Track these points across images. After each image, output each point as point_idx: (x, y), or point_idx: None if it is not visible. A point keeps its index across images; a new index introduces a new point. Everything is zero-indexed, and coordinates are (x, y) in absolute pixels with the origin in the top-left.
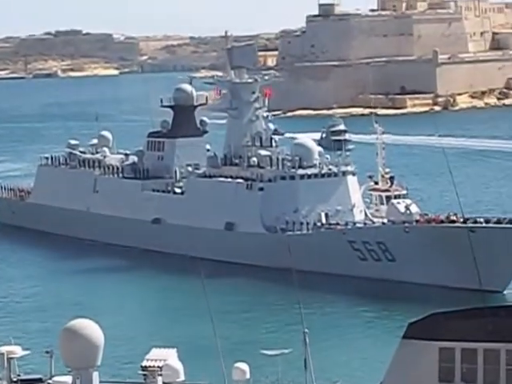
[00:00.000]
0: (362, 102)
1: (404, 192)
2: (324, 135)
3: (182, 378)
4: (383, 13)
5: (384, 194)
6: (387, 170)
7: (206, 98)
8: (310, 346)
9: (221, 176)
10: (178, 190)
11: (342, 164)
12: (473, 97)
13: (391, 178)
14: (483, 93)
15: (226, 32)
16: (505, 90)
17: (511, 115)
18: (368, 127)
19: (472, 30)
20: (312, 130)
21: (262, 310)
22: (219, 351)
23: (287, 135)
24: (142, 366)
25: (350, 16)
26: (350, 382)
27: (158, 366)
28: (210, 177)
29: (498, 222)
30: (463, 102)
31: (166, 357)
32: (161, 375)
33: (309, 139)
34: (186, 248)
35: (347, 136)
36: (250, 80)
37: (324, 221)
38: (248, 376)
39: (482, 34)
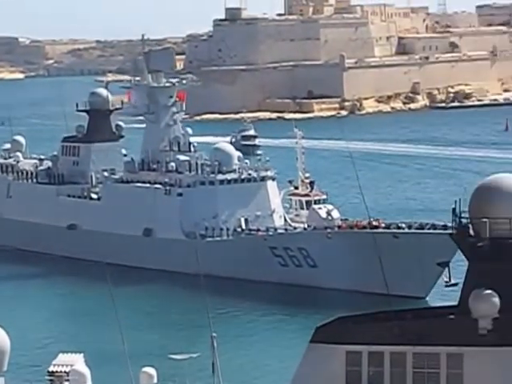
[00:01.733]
0: (270, 107)
1: (324, 197)
2: (234, 140)
3: (89, 383)
4: (290, 17)
5: (304, 199)
6: (307, 174)
7: (122, 102)
8: (217, 350)
9: (138, 181)
10: (94, 196)
11: (262, 169)
12: (379, 101)
13: (311, 183)
14: (389, 97)
15: (142, 36)
16: (410, 95)
17: (417, 119)
18: (276, 132)
19: (378, 35)
20: (220, 135)
21: (171, 315)
22: (126, 356)
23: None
24: (48, 371)
25: (257, 20)
26: None
27: (65, 371)
28: (127, 182)
29: (421, 227)
30: (369, 106)
31: (73, 362)
32: (68, 380)
33: (228, 144)
34: (103, 254)
35: (257, 141)
36: (167, 84)
37: (244, 226)
38: (155, 380)
39: (387, 38)
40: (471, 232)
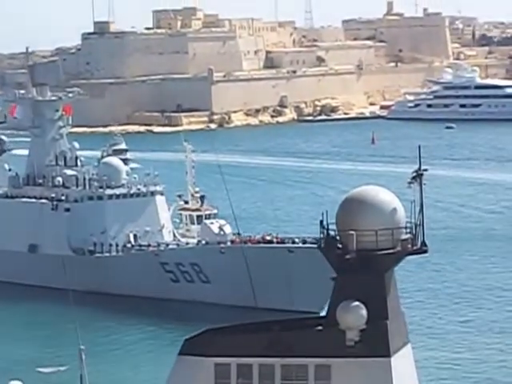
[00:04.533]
0: (138, 120)
1: (215, 211)
2: (105, 154)
3: None
4: (158, 31)
5: (195, 214)
6: (197, 189)
7: (5, 115)
8: (86, 363)
9: (23, 196)
10: None
11: (151, 184)
12: (247, 114)
13: (202, 198)
14: (257, 110)
15: (27, 48)
16: (278, 108)
17: (284, 132)
18: (145, 145)
19: (246, 49)
20: (89, 148)
21: (39, 329)
22: None
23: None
24: None
25: (126, 34)
26: None
27: None
28: (12, 197)
29: (315, 241)
30: (238, 119)
31: None
32: None
33: (116, 158)
34: None
35: (128, 155)
36: (53, 98)
37: (133, 242)
38: None
39: (255, 52)
40: (339, 244)
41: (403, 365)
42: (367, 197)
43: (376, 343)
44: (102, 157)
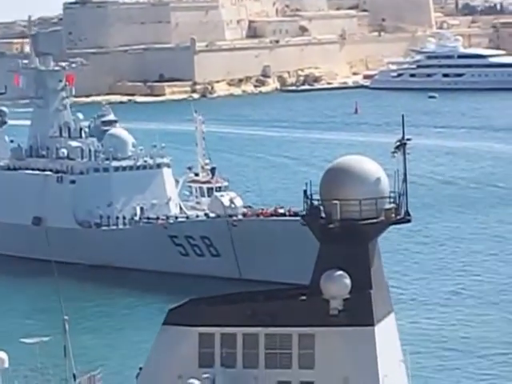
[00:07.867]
0: (121, 90)
1: (226, 184)
2: (92, 125)
3: None
4: (141, 0)
5: (205, 186)
6: (207, 160)
7: (5, 86)
8: (70, 334)
9: (27, 168)
10: None
11: (158, 156)
12: (230, 84)
13: (212, 170)
14: (240, 80)
15: (29, 17)
16: (261, 78)
17: (267, 102)
18: (128, 114)
19: (229, 18)
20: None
21: (21, 300)
22: None
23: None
24: None
25: (108, 3)
26: (110, 368)
27: None
28: (15, 169)
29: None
30: (221, 89)
31: None
32: None
33: (122, 130)
34: None
35: (118, 126)
36: (56, 68)
37: (140, 214)
38: (6, 365)
39: (238, 22)
40: (322, 214)
41: (387, 334)
42: (351, 166)
43: (360, 312)
44: (89, 127)
